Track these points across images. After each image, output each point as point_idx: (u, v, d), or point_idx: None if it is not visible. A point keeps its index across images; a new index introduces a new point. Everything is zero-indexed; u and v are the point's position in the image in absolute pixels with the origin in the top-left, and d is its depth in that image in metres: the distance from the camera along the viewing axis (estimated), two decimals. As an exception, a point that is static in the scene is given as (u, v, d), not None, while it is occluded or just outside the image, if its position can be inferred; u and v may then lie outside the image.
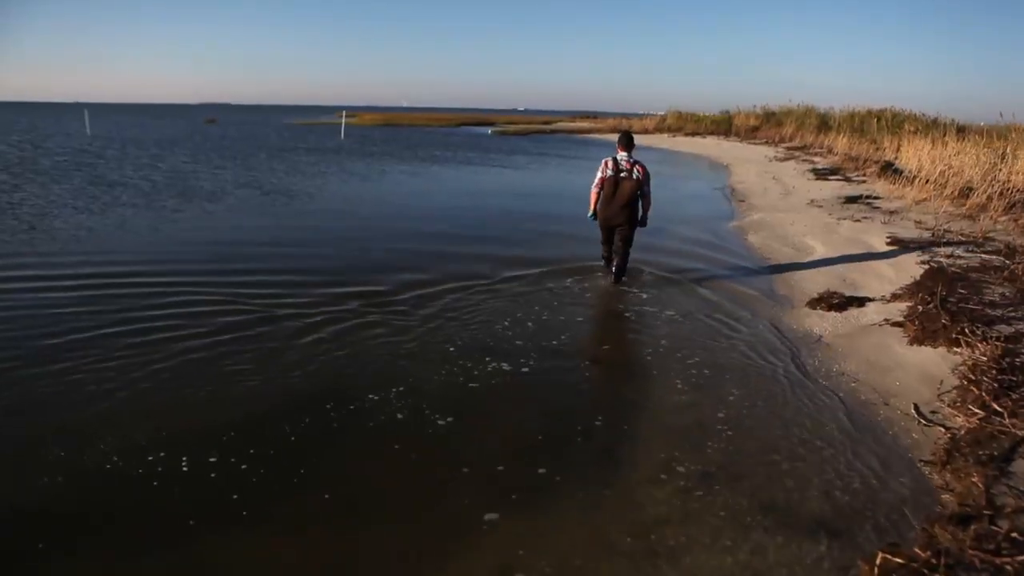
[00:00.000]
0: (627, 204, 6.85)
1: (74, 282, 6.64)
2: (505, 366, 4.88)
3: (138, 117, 67.94)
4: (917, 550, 2.66)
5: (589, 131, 45.71)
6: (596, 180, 6.96)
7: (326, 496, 3.22)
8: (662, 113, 43.32)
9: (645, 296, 6.77)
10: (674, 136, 35.90)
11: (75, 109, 77.79)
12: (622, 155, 6.90)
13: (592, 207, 7.08)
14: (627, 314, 6.34)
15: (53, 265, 7.34)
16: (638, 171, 6.82)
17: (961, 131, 17.64)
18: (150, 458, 3.50)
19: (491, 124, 53.95)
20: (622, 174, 6.82)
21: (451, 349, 5.13)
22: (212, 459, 3.51)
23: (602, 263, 7.46)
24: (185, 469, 3.41)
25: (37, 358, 4.76)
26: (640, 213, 7.00)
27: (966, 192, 11.36)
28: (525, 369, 4.87)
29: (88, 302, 6.04)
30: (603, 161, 6.99)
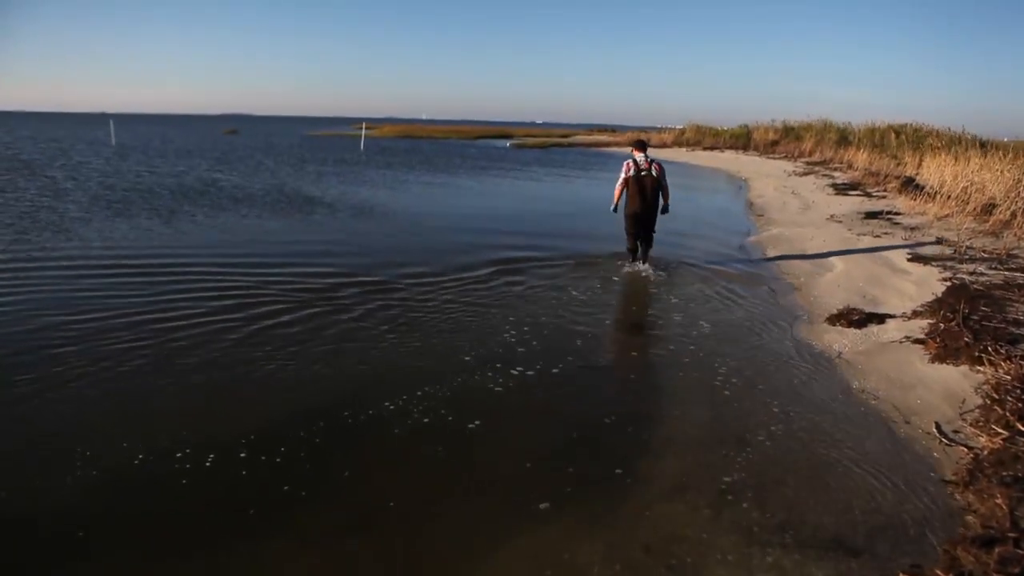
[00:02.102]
0: (651, 198, 8.09)
1: (105, 279, 7.09)
2: (529, 372, 4.95)
3: (160, 127, 69.13)
4: (939, 572, 2.61)
5: (607, 144, 45.73)
6: (620, 180, 8.14)
7: (371, 488, 3.33)
8: (680, 127, 43.21)
9: (668, 307, 6.81)
10: (692, 150, 35.82)
11: (100, 119, 79.21)
12: (639, 156, 8.10)
13: (615, 201, 8.26)
14: (647, 324, 6.43)
15: (84, 264, 7.78)
16: (655, 168, 8.07)
17: (984, 146, 17.44)
18: (178, 454, 3.60)
19: (509, 137, 54.15)
20: (642, 172, 8.05)
21: (471, 355, 5.15)
22: (242, 455, 3.62)
23: (627, 253, 8.42)
24: (209, 465, 3.48)
25: (69, 339, 5.28)
26: (661, 204, 8.21)
27: (989, 208, 11.21)
28: (554, 370, 5.00)
29: (120, 293, 6.66)
30: (625, 163, 8.20)
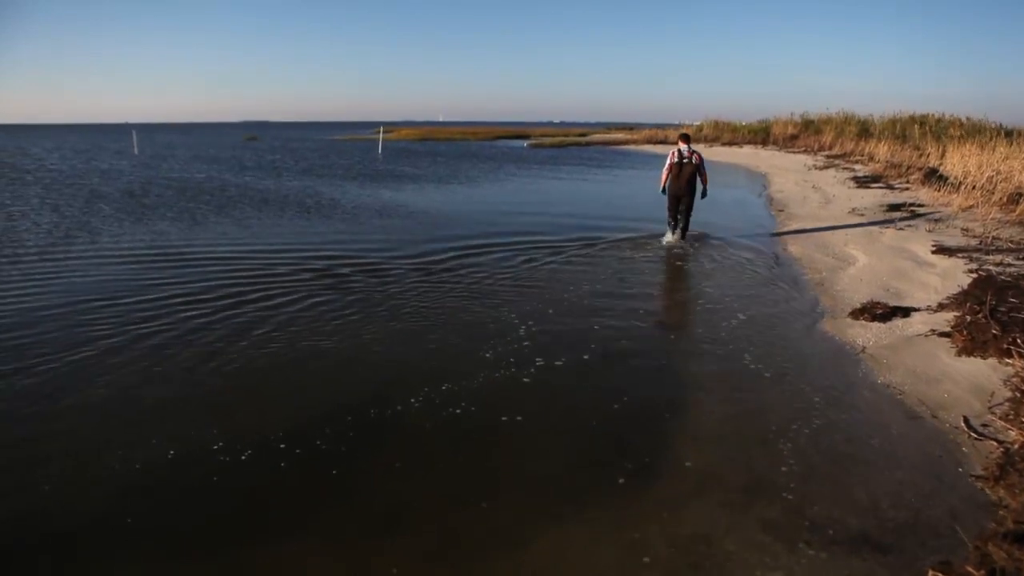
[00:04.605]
0: (689, 181, 9.65)
1: (140, 269, 7.17)
2: (557, 362, 5.04)
3: (181, 136, 70.19)
4: (970, 568, 2.57)
5: (624, 142, 45.49)
6: (666, 166, 9.77)
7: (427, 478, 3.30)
8: (698, 123, 42.86)
9: (691, 302, 6.88)
10: (711, 146, 35.49)
11: (121, 129, 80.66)
12: (683, 147, 9.72)
13: (663, 184, 9.88)
14: (672, 318, 6.46)
15: (116, 257, 8.03)
16: (695, 158, 9.68)
17: (1009, 135, 17.13)
18: (205, 451, 3.70)
19: (526, 137, 54.09)
20: (684, 160, 9.64)
21: (491, 349, 5.16)
22: (269, 452, 3.71)
23: (667, 227, 10.11)
24: (235, 462, 3.49)
25: (101, 320, 5.93)
26: (700, 188, 9.80)
27: (1016, 198, 11.01)
28: (584, 358, 5.18)
29: (153, 281, 7.35)
30: (671, 152, 9.83)
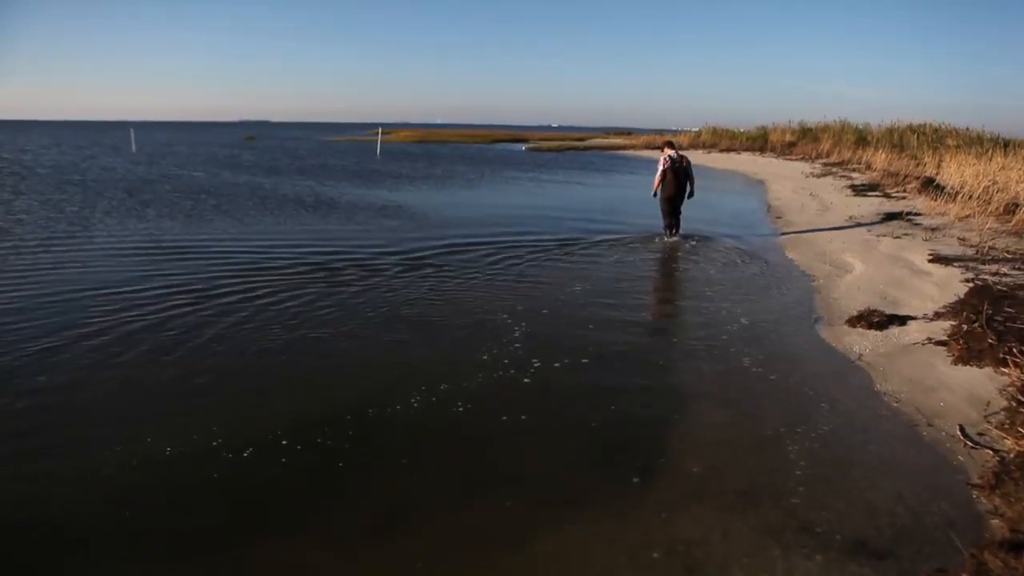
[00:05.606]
0: (681, 184, 10.36)
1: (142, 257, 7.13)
2: (555, 364, 5.08)
3: (178, 134, 70.24)
4: (965, 576, 2.59)
5: (623, 147, 45.60)
6: (659, 172, 10.37)
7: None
8: (696, 129, 42.97)
9: (687, 308, 6.90)
10: (709, 152, 35.57)
11: (118, 127, 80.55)
12: (672, 153, 10.40)
13: (655, 189, 10.59)
14: (667, 324, 6.53)
15: (106, 252, 8.00)
16: (685, 161, 10.40)
17: (1006, 145, 17.20)
18: (213, 444, 3.72)
19: (525, 140, 54.22)
20: (677, 165, 10.27)
21: (494, 348, 5.18)
22: (266, 453, 3.70)
23: (663, 230, 10.68)
24: (233, 463, 3.49)
25: (99, 310, 6.13)
26: (689, 189, 10.43)
27: (1012, 208, 11.05)
28: (584, 360, 5.22)
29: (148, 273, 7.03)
30: (661, 159, 10.45)
